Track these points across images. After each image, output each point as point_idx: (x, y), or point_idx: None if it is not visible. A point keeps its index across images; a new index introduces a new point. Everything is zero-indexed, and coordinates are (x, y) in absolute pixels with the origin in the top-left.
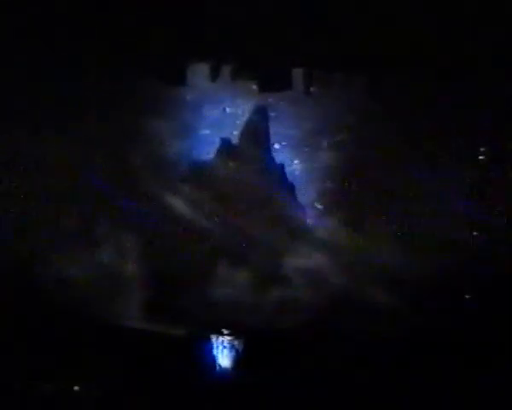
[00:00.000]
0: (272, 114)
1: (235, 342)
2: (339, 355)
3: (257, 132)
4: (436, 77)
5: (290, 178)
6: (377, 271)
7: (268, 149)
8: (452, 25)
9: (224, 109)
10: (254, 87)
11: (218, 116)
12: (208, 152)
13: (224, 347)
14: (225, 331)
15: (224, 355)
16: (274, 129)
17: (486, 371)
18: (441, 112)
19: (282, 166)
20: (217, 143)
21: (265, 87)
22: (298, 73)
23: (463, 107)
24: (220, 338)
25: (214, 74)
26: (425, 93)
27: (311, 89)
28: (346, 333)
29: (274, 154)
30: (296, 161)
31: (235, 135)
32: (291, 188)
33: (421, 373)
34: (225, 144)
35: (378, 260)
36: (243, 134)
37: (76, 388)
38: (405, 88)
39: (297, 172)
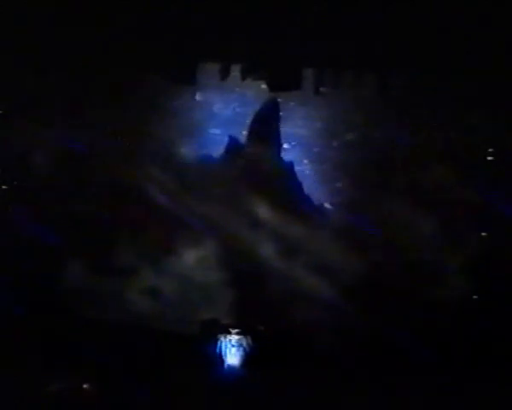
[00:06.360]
0: (282, 114)
1: (243, 341)
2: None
3: (266, 132)
4: (445, 77)
5: (300, 177)
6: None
7: (277, 148)
8: (457, 25)
9: (234, 109)
10: (264, 87)
11: (227, 115)
12: (218, 151)
13: (232, 345)
14: (232, 331)
15: (231, 354)
16: (283, 129)
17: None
18: (450, 112)
19: (291, 166)
20: (226, 142)
21: (275, 87)
22: (307, 73)
23: (473, 106)
24: (227, 337)
25: (224, 74)
26: (434, 92)
27: (321, 89)
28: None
29: (283, 153)
30: (305, 161)
31: (244, 134)
32: (300, 187)
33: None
34: (235, 143)
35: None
36: (252, 133)
37: (85, 386)
38: (414, 88)
39: (307, 172)
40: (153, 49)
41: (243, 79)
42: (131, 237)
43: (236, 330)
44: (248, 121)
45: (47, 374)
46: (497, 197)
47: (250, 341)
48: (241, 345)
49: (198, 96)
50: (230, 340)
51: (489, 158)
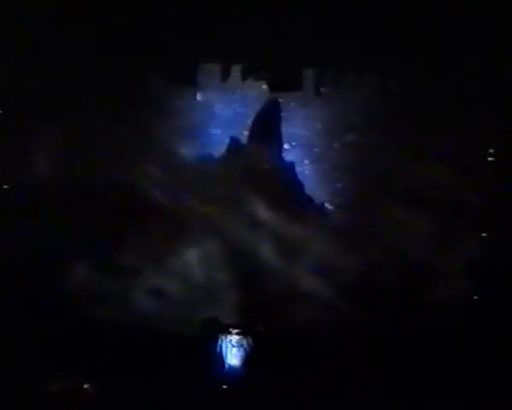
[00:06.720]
0: (282, 115)
1: (243, 341)
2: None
3: (267, 132)
4: (445, 77)
5: (300, 177)
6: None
7: (278, 148)
8: (457, 25)
9: (235, 109)
10: (265, 87)
11: (228, 116)
12: (219, 151)
13: (232, 346)
14: (233, 331)
15: (231, 354)
16: (284, 129)
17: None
18: (451, 112)
19: (292, 166)
20: (227, 143)
21: (276, 87)
22: (308, 74)
23: (474, 107)
24: (228, 337)
25: (225, 74)
26: (435, 93)
27: (322, 89)
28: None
29: (284, 154)
30: (306, 161)
31: (245, 135)
32: (301, 188)
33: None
34: (236, 144)
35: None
36: (253, 133)
37: (85, 386)
38: (415, 88)
39: (307, 172)
40: (153, 50)
41: (244, 79)
42: (131, 237)
43: (237, 331)
44: (249, 122)
45: (47, 374)
46: (497, 198)
47: (250, 341)
48: (241, 345)
49: (199, 97)
50: (231, 340)
51: (489, 159)
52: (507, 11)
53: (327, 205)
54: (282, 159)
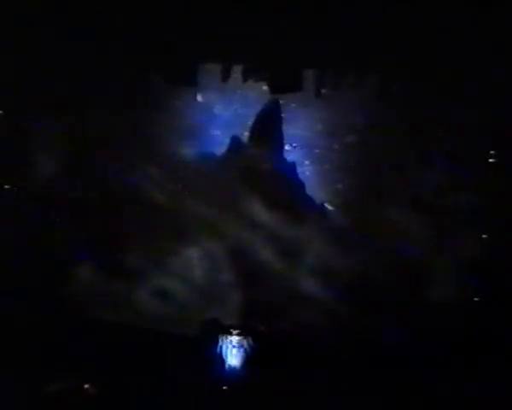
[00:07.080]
0: (283, 116)
1: (244, 342)
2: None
3: (268, 133)
4: (446, 78)
5: (301, 178)
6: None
7: (279, 149)
8: (457, 25)
9: (235, 110)
10: (265, 88)
11: (229, 117)
12: (220, 152)
13: (233, 346)
14: (233, 331)
15: (231, 355)
16: (285, 130)
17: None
18: (452, 114)
19: (292, 167)
20: (228, 144)
21: (276, 88)
22: (309, 75)
23: (475, 108)
24: (228, 337)
25: (225, 75)
26: (435, 95)
27: (322, 90)
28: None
29: (285, 155)
30: (307, 162)
31: (246, 135)
32: (301, 188)
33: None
34: (236, 144)
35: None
36: (254, 134)
37: (86, 386)
38: (415, 89)
39: (308, 173)
40: (153, 50)
41: (244, 80)
42: (131, 238)
43: (237, 331)
44: (250, 123)
45: (47, 374)
46: (498, 199)
47: (251, 341)
48: (241, 346)
49: (199, 98)
50: (231, 341)
51: (491, 160)
52: (507, 11)
53: (327, 206)
54: (282, 160)
